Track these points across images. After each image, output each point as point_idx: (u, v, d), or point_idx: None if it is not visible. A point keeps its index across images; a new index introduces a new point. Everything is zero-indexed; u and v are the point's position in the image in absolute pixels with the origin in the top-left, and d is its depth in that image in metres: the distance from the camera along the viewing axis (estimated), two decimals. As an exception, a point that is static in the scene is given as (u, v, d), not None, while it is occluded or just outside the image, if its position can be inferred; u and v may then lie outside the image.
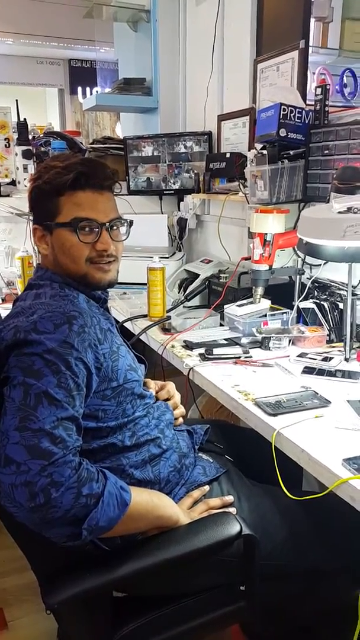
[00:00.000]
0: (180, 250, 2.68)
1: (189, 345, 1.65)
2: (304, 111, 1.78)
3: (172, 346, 1.68)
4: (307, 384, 1.33)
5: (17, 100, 2.78)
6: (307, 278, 1.71)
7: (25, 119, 2.69)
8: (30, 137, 2.69)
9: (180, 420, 1.33)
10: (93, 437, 1.07)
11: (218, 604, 1.12)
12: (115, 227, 1.18)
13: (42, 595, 0.98)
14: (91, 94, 6.38)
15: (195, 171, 2.57)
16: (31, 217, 1.22)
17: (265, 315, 1.68)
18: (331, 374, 1.38)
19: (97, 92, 3.39)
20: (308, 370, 1.40)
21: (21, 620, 1.75)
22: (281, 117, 1.74)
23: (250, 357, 1.53)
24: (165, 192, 2.75)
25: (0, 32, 5.59)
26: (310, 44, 1.95)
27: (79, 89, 6.66)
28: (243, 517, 1.09)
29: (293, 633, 1.35)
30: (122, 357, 1.15)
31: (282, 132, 1.75)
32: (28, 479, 0.86)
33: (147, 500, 1.03)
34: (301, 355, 1.50)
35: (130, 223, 1.23)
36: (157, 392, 1.38)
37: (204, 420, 1.79)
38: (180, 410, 1.36)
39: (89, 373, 1.03)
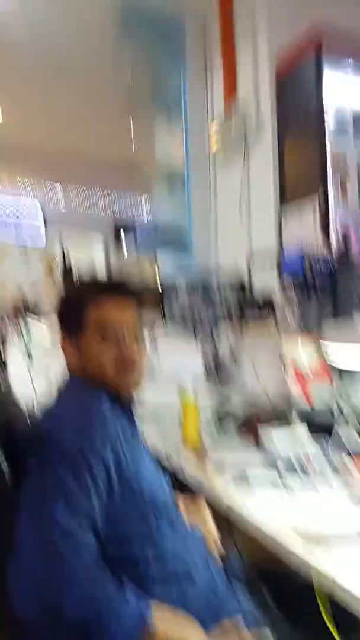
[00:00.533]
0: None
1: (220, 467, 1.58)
2: (328, 259, 1.87)
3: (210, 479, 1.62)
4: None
5: (63, 246, 2.98)
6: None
7: (70, 264, 2.90)
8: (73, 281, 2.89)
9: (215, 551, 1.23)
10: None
11: None
12: (138, 336, 1.23)
13: None
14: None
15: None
16: None
17: (305, 446, 1.62)
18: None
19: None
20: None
21: None
22: (306, 265, 1.83)
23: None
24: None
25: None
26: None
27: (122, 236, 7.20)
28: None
29: None
30: (144, 463, 1.14)
31: (309, 278, 1.82)
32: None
33: (171, 622, 0.93)
34: (345, 484, 1.42)
35: (152, 329, 1.31)
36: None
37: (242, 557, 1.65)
38: (213, 535, 1.27)
39: (108, 476, 1.03)
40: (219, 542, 1.27)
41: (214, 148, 2.89)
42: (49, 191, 6.54)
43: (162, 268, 3.68)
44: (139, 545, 1.05)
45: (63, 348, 1.24)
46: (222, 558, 1.24)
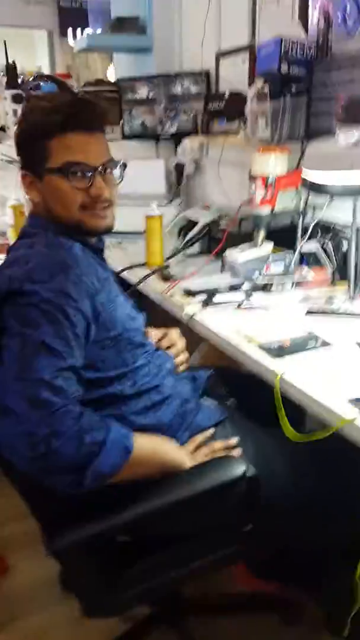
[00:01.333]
0: (178, 197, 2.61)
1: (189, 293, 1.62)
2: (305, 45, 1.69)
3: (172, 295, 1.65)
4: (311, 325, 1.31)
5: (5, 42, 2.65)
6: (310, 220, 1.66)
7: (14, 61, 2.58)
8: (19, 81, 2.58)
9: (183, 367, 1.32)
10: (93, 387, 1.05)
11: (224, 544, 1.13)
12: (108, 170, 1.11)
13: (44, 541, 0.98)
14: (82, 35, 6.13)
15: (193, 113, 2.46)
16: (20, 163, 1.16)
17: (268, 259, 1.64)
18: (334, 313, 1.36)
19: (88, 33, 3.24)
20: (312, 312, 1.38)
21: (23, 565, 1.78)
22: (282, 52, 1.66)
23: (252, 301, 1.50)
24: (161, 136, 2.65)
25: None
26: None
27: (69, 31, 6.35)
28: (247, 459, 1.09)
29: (298, 570, 1.38)
30: (121, 306, 1.12)
31: (284, 68, 1.67)
32: (29, 429, 0.86)
33: (150, 445, 1.02)
34: (304, 297, 1.47)
35: (124, 165, 1.16)
36: (158, 341, 1.35)
37: (206, 365, 1.77)
38: (183, 357, 1.34)
39: (87, 323, 1.00)
40: (187, 358, 1.35)
41: None
42: None
43: (117, 66, 3.30)
44: (119, 385, 1.09)
45: (25, 186, 1.12)
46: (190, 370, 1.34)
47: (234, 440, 1.16)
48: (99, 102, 2.65)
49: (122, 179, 1.16)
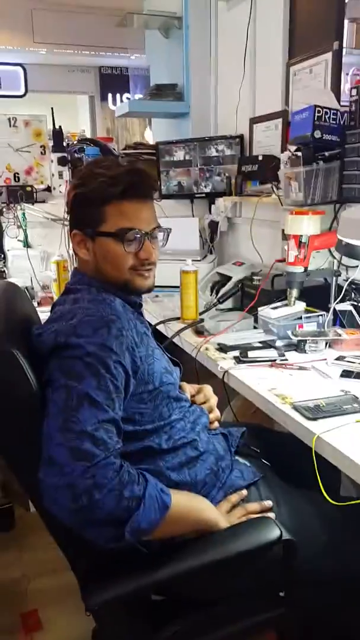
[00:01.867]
0: (212, 253, 2.68)
1: (223, 348, 1.65)
2: (338, 112, 1.76)
3: (206, 349, 1.68)
4: (346, 387, 1.31)
5: (52, 108, 2.83)
6: (344, 280, 1.68)
7: (60, 126, 2.74)
8: (64, 144, 2.74)
9: (216, 424, 1.33)
10: (130, 440, 1.07)
11: (257, 610, 1.11)
12: (156, 236, 1.19)
13: (82, 597, 0.98)
14: (121, 100, 6.47)
15: (227, 174, 2.57)
16: (66, 222, 1.23)
17: (301, 318, 1.66)
18: (370, 377, 1.36)
19: (128, 99, 3.43)
20: (346, 374, 1.38)
21: (56, 621, 1.77)
22: (316, 118, 1.73)
23: (286, 360, 1.51)
24: (196, 195, 2.75)
25: (34, 43, 5.70)
26: (344, 45, 1.93)
27: (109, 96, 6.73)
28: (282, 522, 1.08)
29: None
30: (157, 360, 1.16)
31: (317, 134, 1.73)
32: (71, 481, 0.88)
33: (186, 503, 1.03)
34: (339, 358, 1.48)
35: (169, 231, 1.24)
36: (193, 396, 1.37)
37: (239, 423, 1.77)
38: (216, 414, 1.35)
39: (127, 376, 1.04)
40: (220, 416, 1.36)
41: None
42: (31, 54, 5.86)
43: (155, 129, 3.48)
44: (156, 438, 1.11)
45: (74, 244, 1.18)
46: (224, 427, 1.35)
47: (269, 503, 1.15)
48: (150, 171, 2.82)
49: (165, 243, 1.23)
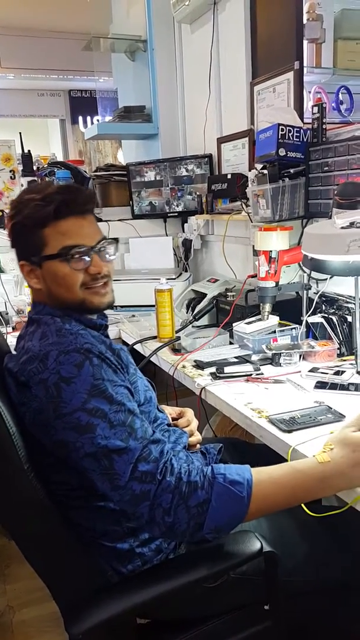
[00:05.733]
0: (186, 271, 2.71)
1: (199, 365, 1.66)
2: (302, 130, 1.81)
3: (183, 366, 1.69)
4: (320, 398, 1.33)
5: (20, 133, 2.85)
6: (314, 293, 1.72)
7: (29, 150, 2.76)
8: (35, 167, 2.75)
9: (197, 447, 1.34)
10: None
11: (243, 625, 1.10)
12: (103, 249, 1.16)
13: (65, 625, 0.97)
14: (92, 123, 6.53)
15: (198, 193, 2.61)
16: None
17: (275, 332, 1.69)
18: (344, 387, 1.38)
19: (98, 121, 3.47)
20: (320, 385, 1.41)
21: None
22: (280, 137, 1.77)
23: (262, 374, 1.53)
24: (169, 214, 2.79)
25: (1, 68, 5.74)
26: (305, 64, 1.99)
27: (80, 119, 6.81)
28: (262, 535, 1.09)
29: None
30: (140, 378, 1.16)
31: (282, 152, 1.78)
32: (148, 519, 0.93)
33: (280, 479, 0.97)
34: (312, 370, 1.50)
35: (116, 240, 1.21)
36: (175, 419, 1.40)
37: (217, 439, 1.78)
38: (197, 437, 1.37)
39: (129, 390, 1.05)
40: (201, 439, 1.38)
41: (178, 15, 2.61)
42: None
43: (126, 150, 3.52)
44: None
45: (24, 275, 1.15)
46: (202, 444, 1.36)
47: None
48: (111, 186, 2.83)
49: (116, 254, 1.20)
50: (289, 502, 0.97)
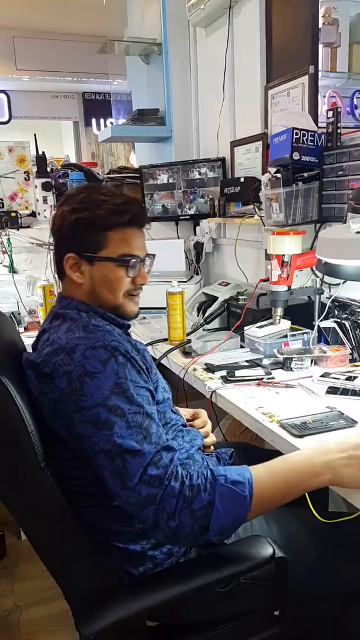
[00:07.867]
0: (197, 274, 2.71)
1: (210, 368, 1.66)
2: (316, 134, 1.81)
3: (194, 369, 1.69)
4: (332, 404, 1.33)
5: (35, 135, 2.86)
6: (327, 297, 1.71)
7: (43, 152, 2.77)
8: (48, 169, 2.77)
9: (212, 448, 1.35)
10: None
11: (253, 630, 1.10)
12: (147, 262, 1.24)
13: (76, 626, 0.97)
14: (105, 125, 6.56)
15: (210, 196, 2.61)
16: (52, 247, 1.24)
17: (286, 336, 1.68)
18: (356, 393, 1.37)
19: (112, 123, 3.48)
20: (332, 390, 1.40)
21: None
22: (294, 140, 1.77)
23: (273, 378, 1.53)
24: (181, 217, 2.79)
25: (17, 70, 5.79)
26: (320, 68, 1.99)
27: (93, 121, 6.84)
28: (273, 540, 1.08)
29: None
30: (161, 378, 1.19)
31: (296, 156, 1.77)
32: (152, 524, 0.94)
33: (281, 478, 0.99)
34: (324, 375, 1.50)
35: (154, 257, 1.29)
36: (189, 420, 1.41)
37: (227, 443, 1.78)
38: (212, 438, 1.38)
39: (150, 392, 1.06)
40: (215, 440, 1.40)
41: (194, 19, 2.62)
42: (14, 81, 5.95)
43: (139, 153, 3.53)
44: None
45: (68, 266, 1.17)
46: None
47: None
48: (123, 189, 2.84)
49: (151, 269, 1.27)
50: (285, 496, 0.98)
